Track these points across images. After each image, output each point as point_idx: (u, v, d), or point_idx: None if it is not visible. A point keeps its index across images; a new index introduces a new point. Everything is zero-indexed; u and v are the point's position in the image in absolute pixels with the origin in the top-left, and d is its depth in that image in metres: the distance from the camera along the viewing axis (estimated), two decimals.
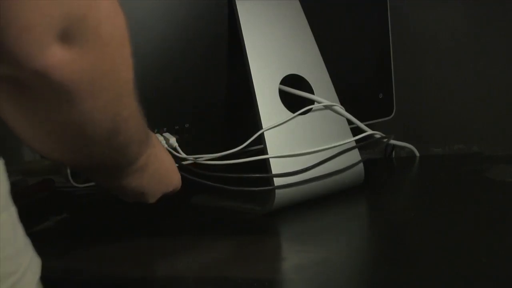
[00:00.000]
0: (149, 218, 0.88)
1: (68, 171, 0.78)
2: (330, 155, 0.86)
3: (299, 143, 0.85)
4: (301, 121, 0.87)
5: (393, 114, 1.12)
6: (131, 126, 0.54)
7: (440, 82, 1.18)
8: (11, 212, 0.48)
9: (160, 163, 0.66)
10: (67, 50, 0.42)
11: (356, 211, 0.88)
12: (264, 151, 0.82)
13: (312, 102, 0.89)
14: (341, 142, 0.88)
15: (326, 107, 0.90)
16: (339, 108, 0.91)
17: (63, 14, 0.40)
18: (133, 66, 0.51)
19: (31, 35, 0.40)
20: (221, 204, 0.88)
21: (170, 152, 0.80)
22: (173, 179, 0.70)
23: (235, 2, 0.87)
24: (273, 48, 0.88)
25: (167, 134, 0.81)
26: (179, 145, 0.81)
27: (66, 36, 0.41)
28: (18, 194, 0.65)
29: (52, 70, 0.42)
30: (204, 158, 0.82)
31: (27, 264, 0.48)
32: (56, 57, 0.41)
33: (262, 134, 0.82)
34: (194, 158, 0.81)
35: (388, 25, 1.11)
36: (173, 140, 0.80)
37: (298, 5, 0.94)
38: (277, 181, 0.81)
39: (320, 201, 0.86)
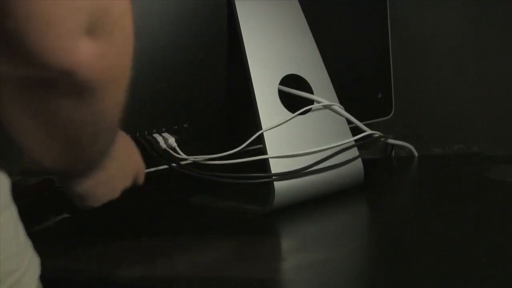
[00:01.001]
0: (149, 218, 0.88)
1: None
2: (329, 154, 0.86)
3: (298, 143, 0.85)
4: (300, 121, 0.87)
5: (392, 113, 1.12)
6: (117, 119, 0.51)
7: (440, 82, 1.18)
8: (12, 212, 0.48)
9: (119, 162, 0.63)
10: (95, 44, 0.40)
11: (356, 211, 0.88)
12: (263, 151, 0.82)
13: (311, 102, 0.89)
14: (341, 142, 0.88)
15: (326, 107, 0.90)
16: (339, 107, 0.91)
17: (90, 6, 0.38)
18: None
19: (58, 31, 0.37)
20: (221, 204, 0.88)
21: (169, 152, 0.80)
22: (118, 186, 0.66)
23: (234, 2, 0.87)
24: (273, 48, 0.88)
25: (166, 134, 0.81)
26: (178, 145, 0.81)
27: (93, 30, 0.39)
28: (18, 194, 0.66)
29: (81, 67, 0.39)
30: (204, 158, 0.82)
31: (27, 263, 0.48)
32: (85, 53, 0.39)
33: (262, 134, 0.82)
34: (193, 158, 0.81)
35: (388, 25, 1.11)
36: (172, 140, 0.80)
37: (297, 5, 0.94)
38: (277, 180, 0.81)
39: (320, 201, 0.86)
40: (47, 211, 0.88)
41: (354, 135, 0.91)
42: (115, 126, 0.50)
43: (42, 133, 0.46)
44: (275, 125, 0.83)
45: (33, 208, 0.91)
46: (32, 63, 0.38)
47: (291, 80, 0.89)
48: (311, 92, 0.89)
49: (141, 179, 0.69)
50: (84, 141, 0.48)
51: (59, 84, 0.41)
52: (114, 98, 0.46)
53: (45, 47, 0.37)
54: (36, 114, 0.44)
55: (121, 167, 0.63)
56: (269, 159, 0.81)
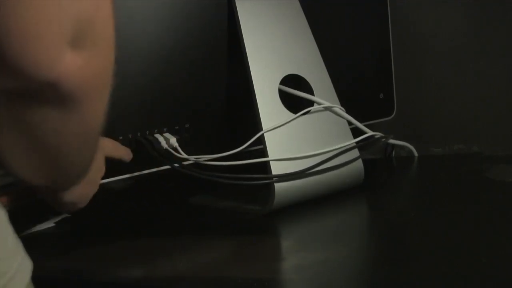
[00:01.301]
0: (149, 218, 0.88)
1: None
2: (330, 156, 0.86)
3: (299, 144, 0.85)
4: (301, 121, 0.86)
5: (393, 114, 1.12)
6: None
7: (440, 82, 1.18)
8: (1, 214, 0.47)
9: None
10: (78, 55, 0.39)
11: (356, 211, 0.88)
12: (264, 152, 0.82)
13: (312, 102, 0.89)
14: (341, 145, 0.88)
15: (326, 108, 0.90)
16: (339, 109, 0.91)
17: (73, 17, 0.38)
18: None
19: (41, 44, 0.36)
20: (221, 205, 0.88)
21: (171, 152, 0.80)
22: (98, 179, 0.68)
23: (235, 2, 0.87)
24: (273, 48, 0.88)
25: (167, 135, 0.81)
26: (179, 145, 0.81)
27: (77, 41, 0.39)
28: (18, 194, 0.66)
29: (65, 79, 0.39)
30: (205, 159, 0.82)
31: (17, 265, 0.48)
32: (69, 65, 0.39)
33: (262, 135, 0.82)
34: (195, 158, 0.81)
35: (388, 25, 1.11)
36: (173, 140, 0.80)
37: (298, 5, 0.94)
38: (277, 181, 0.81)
39: (320, 201, 0.86)
40: (47, 211, 0.88)
41: (354, 135, 0.91)
42: (99, 134, 0.50)
43: (24, 147, 0.44)
44: (275, 127, 0.83)
45: (33, 208, 0.92)
46: (15, 76, 0.37)
47: (292, 80, 0.89)
48: (312, 92, 0.89)
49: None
50: (70, 153, 0.47)
51: (43, 95, 0.40)
52: (98, 108, 0.45)
53: (27, 61, 0.36)
54: (18, 126, 0.42)
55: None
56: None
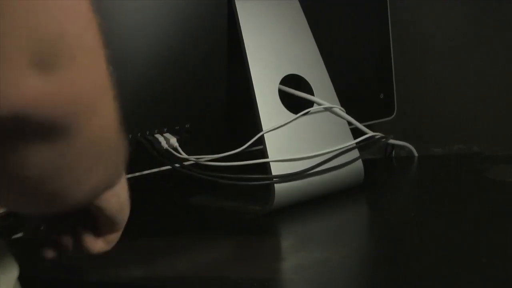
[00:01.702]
0: (149, 218, 0.88)
1: None
2: (330, 156, 0.86)
3: (299, 144, 0.85)
4: (301, 122, 0.87)
5: (394, 114, 1.12)
6: None
7: (440, 82, 1.18)
8: None
9: None
10: (49, 77, 0.33)
11: (356, 211, 0.88)
12: (264, 152, 0.82)
13: (312, 102, 0.89)
14: (342, 145, 0.88)
15: (326, 109, 0.90)
16: (339, 110, 0.91)
17: (36, 37, 0.32)
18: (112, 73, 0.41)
19: None
20: (221, 204, 0.88)
21: (171, 152, 0.80)
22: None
23: (234, 2, 0.87)
24: (273, 48, 0.88)
25: (167, 135, 0.81)
26: (179, 146, 0.81)
27: (45, 62, 0.33)
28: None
29: (34, 106, 0.33)
30: (205, 159, 0.82)
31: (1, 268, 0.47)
32: (35, 91, 0.33)
33: (262, 135, 0.82)
34: (195, 158, 0.81)
35: (388, 25, 1.11)
36: (173, 140, 0.80)
37: (298, 5, 0.94)
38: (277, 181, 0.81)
39: (320, 201, 0.86)
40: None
41: (354, 135, 0.91)
42: (115, 148, 0.44)
43: (14, 190, 0.39)
44: (275, 127, 0.83)
45: None
46: None
47: (292, 80, 0.89)
48: (312, 92, 0.89)
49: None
50: (74, 179, 0.41)
51: (17, 129, 0.34)
52: (102, 122, 0.39)
53: None
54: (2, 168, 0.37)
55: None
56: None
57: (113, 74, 0.40)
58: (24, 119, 0.33)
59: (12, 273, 0.49)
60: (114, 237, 0.59)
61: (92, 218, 0.56)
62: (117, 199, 0.54)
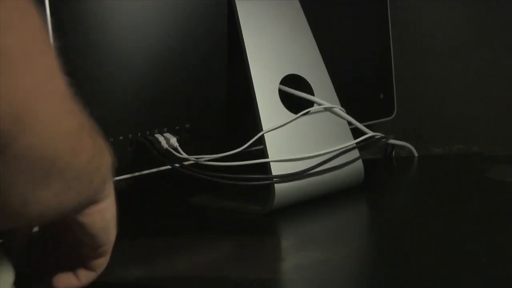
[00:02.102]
0: (149, 218, 0.88)
1: None
2: (330, 156, 0.86)
3: (299, 144, 0.85)
4: (301, 122, 0.87)
5: (394, 114, 1.12)
6: None
7: (440, 82, 1.18)
8: None
9: None
10: None
11: (356, 211, 0.88)
12: (264, 152, 0.82)
13: (311, 102, 0.89)
14: (342, 145, 0.88)
15: (326, 109, 0.90)
16: (339, 110, 0.91)
17: None
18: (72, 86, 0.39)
19: None
20: (221, 204, 0.88)
21: (171, 152, 0.80)
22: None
23: (234, 2, 0.87)
24: (273, 48, 0.88)
25: (167, 135, 0.81)
26: (179, 145, 0.81)
27: None
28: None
29: None
30: (205, 159, 0.82)
31: None
32: None
33: (262, 135, 0.82)
34: (195, 158, 0.81)
35: (388, 25, 1.11)
36: (173, 140, 0.80)
37: (298, 5, 0.94)
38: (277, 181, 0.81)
39: (320, 201, 0.86)
40: None
41: (354, 135, 0.91)
42: (74, 167, 0.41)
43: None
44: (275, 127, 0.83)
45: None
46: None
47: (292, 80, 0.89)
48: (312, 92, 0.89)
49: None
50: (18, 197, 0.38)
51: None
52: (28, 146, 0.35)
53: None
54: None
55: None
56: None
57: (72, 86, 0.37)
58: None
59: (7, 278, 0.48)
60: (101, 262, 0.56)
61: (77, 244, 0.54)
62: (102, 216, 0.51)
